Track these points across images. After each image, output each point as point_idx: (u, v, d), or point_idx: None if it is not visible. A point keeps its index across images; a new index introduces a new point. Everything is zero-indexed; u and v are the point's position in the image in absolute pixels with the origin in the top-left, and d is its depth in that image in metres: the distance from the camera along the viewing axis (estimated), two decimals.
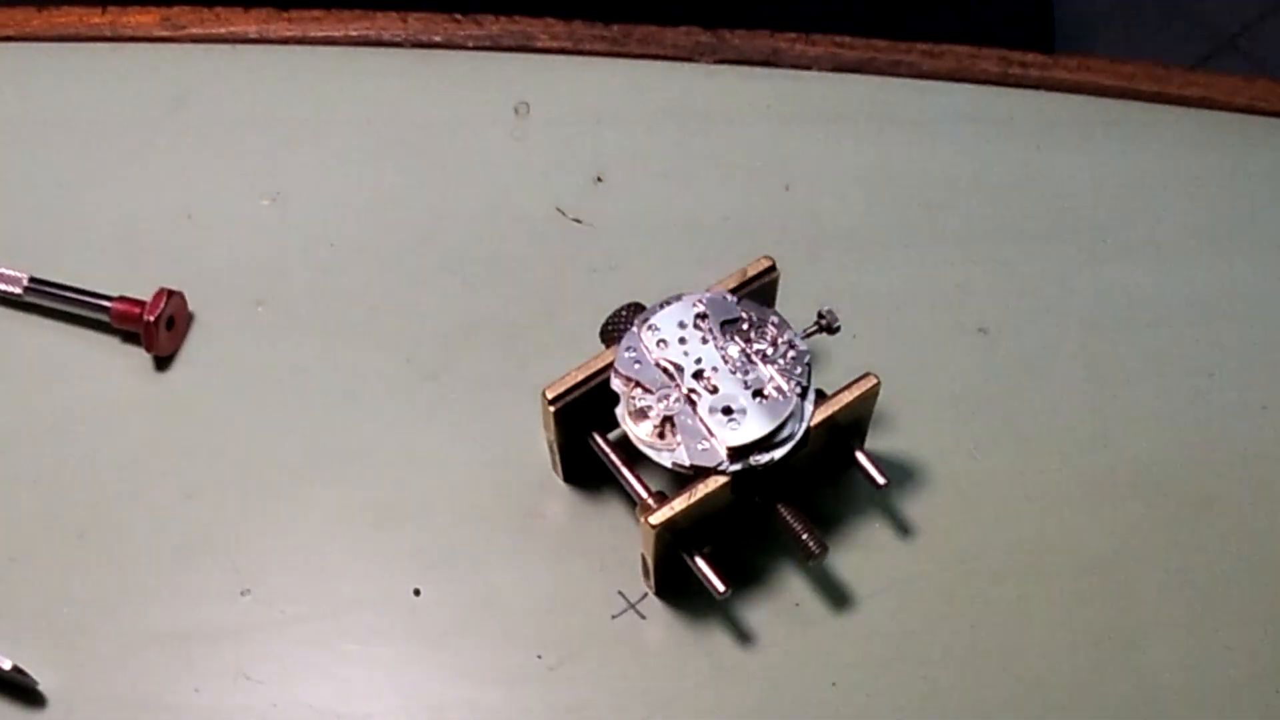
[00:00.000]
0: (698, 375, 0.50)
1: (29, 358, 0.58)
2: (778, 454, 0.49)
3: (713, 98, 0.66)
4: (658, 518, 0.48)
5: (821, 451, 0.52)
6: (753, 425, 0.49)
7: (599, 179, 0.64)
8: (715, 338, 0.51)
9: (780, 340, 0.51)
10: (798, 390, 0.50)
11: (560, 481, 0.56)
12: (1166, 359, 0.60)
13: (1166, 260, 0.62)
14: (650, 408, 0.50)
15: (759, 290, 0.53)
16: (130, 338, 0.58)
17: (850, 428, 0.53)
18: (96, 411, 0.57)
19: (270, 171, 0.63)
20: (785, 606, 0.53)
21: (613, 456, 0.53)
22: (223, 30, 0.67)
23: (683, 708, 0.51)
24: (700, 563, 0.50)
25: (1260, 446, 0.57)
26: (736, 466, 0.49)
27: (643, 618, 0.53)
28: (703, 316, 0.51)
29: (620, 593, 0.54)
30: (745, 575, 0.54)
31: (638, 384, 0.50)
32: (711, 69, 0.67)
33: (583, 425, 0.53)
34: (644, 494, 0.51)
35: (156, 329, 0.57)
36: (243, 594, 0.53)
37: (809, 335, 0.52)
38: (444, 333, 0.59)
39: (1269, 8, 1.52)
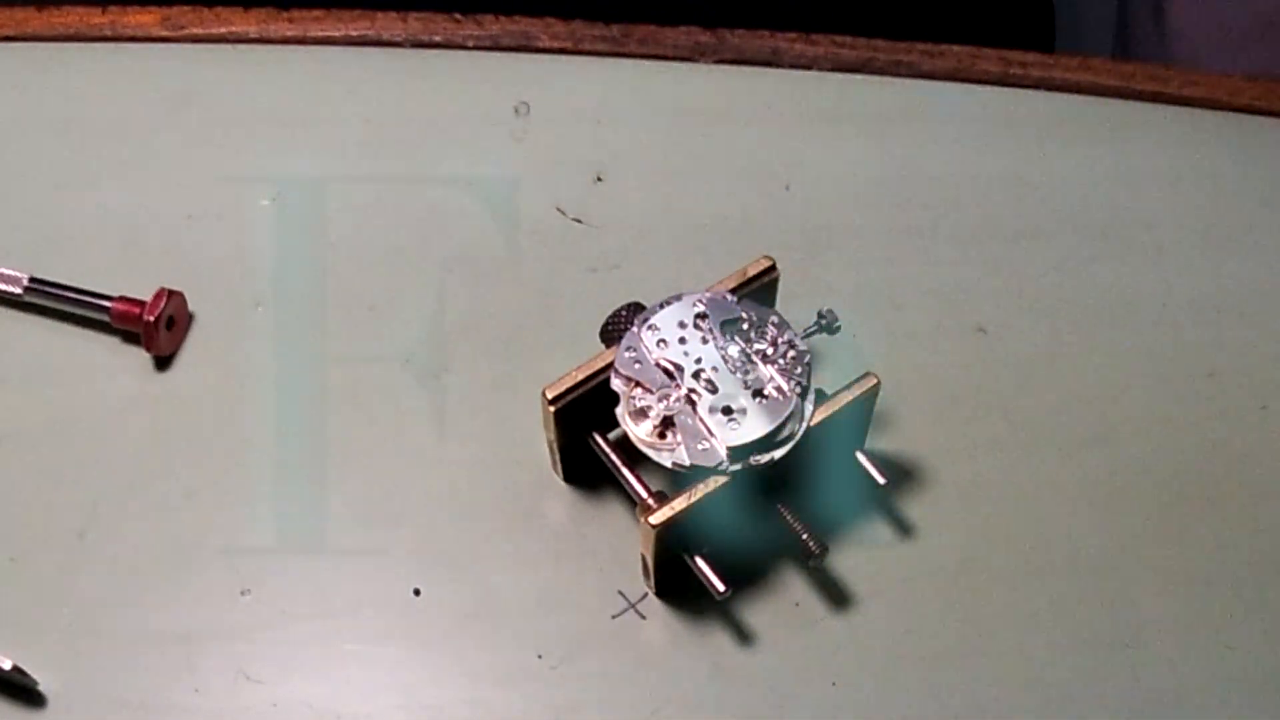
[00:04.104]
0: (698, 375, 0.50)
1: (29, 358, 0.58)
2: (778, 454, 0.49)
3: (713, 98, 0.66)
4: (658, 518, 0.48)
5: (821, 451, 0.52)
6: (753, 425, 0.49)
7: (599, 179, 0.64)
8: (715, 338, 0.51)
9: (780, 340, 0.51)
10: (798, 390, 0.50)
11: (560, 481, 0.56)
12: (1166, 359, 0.60)
13: (1166, 260, 0.62)
14: (650, 408, 0.50)
15: (759, 290, 0.53)
16: (130, 338, 0.58)
17: (850, 428, 0.53)
18: (96, 411, 0.57)
19: (270, 171, 0.63)
20: (785, 606, 0.53)
21: (613, 456, 0.53)
22: (223, 30, 0.67)
23: (683, 708, 0.51)
24: (700, 563, 0.50)
25: (1260, 446, 0.57)
26: (736, 466, 0.49)
27: (643, 618, 0.53)
28: (703, 316, 0.51)
29: (620, 593, 0.54)
30: (745, 575, 0.54)
31: (638, 384, 0.50)
32: (711, 69, 0.67)
33: (583, 425, 0.53)
34: (644, 494, 0.51)
35: (156, 329, 0.57)
36: (243, 594, 0.53)
37: (809, 335, 0.52)
38: (444, 333, 0.59)
39: None
